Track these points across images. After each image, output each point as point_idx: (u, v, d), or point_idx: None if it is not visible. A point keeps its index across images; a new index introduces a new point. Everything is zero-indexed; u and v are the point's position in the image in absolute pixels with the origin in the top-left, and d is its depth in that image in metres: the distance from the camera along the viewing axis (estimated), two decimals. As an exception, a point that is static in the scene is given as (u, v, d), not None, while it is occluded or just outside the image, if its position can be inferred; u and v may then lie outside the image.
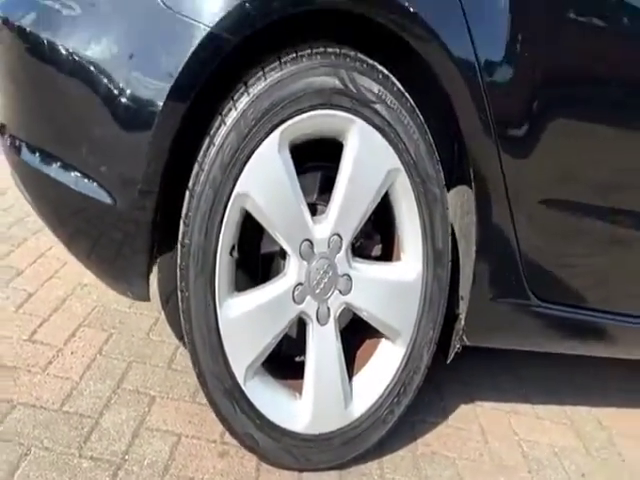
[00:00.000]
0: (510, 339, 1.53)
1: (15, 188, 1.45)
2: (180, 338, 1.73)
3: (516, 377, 1.92)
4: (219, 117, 1.15)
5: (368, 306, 1.32)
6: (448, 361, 1.49)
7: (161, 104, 1.08)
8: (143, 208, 1.16)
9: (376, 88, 1.20)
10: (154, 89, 1.08)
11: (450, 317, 1.44)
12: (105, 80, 1.11)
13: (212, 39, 1.08)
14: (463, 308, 1.41)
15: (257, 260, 1.34)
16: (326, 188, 1.30)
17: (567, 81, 1.32)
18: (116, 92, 1.10)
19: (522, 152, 1.31)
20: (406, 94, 1.24)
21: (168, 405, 1.49)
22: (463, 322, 1.41)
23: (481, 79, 1.22)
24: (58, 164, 1.21)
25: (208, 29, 1.07)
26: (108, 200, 1.17)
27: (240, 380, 1.25)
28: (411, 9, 1.14)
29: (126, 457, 1.32)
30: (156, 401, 1.49)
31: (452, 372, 1.75)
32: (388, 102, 1.21)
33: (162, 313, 1.82)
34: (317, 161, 1.31)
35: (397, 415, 1.41)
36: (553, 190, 1.36)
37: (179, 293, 1.22)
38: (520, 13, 1.24)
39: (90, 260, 1.34)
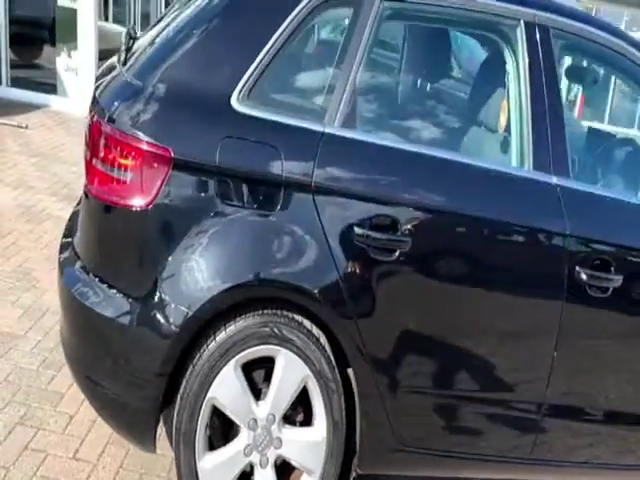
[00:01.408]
0: (390, 470, 2.31)
1: (52, 311, 2.30)
2: (175, 451, 2.50)
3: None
4: (198, 354, 1.94)
5: (292, 456, 2.10)
6: (349, 484, 2.27)
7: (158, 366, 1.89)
8: (153, 403, 1.96)
9: (295, 331, 1.99)
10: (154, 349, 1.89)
11: (350, 454, 2.22)
12: (134, 323, 1.92)
13: (194, 317, 1.88)
14: (357, 449, 2.19)
15: (222, 426, 2.12)
16: (266, 378, 2.09)
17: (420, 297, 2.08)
18: (136, 337, 1.90)
19: (379, 350, 2.06)
20: (312, 331, 2.03)
21: (167, 510, 2.27)
22: (357, 459, 2.19)
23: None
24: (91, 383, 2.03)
25: (191, 313, 1.87)
26: (122, 402, 1.97)
27: (212, 504, 2.04)
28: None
29: None
30: (159, 506, 2.28)
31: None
32: (301, 338, 2.00)
33: (163, 430, 2.60)
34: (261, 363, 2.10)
35: (315, 520, 2.19)
36: (401, 375, 2.12)
37: (174, 454, 2.00)
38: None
39: (112, 427, 2.14)
